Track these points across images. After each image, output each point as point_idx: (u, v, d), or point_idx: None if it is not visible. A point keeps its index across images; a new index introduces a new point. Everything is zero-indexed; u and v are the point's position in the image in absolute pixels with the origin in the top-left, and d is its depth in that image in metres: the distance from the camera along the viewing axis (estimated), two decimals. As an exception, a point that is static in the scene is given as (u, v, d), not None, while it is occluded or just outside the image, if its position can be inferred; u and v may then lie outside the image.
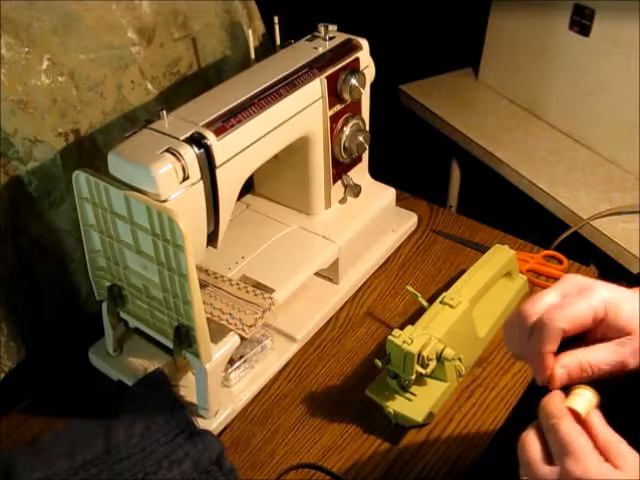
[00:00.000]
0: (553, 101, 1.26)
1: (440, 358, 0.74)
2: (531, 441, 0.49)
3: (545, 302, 0.52)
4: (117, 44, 0.85)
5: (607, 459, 0.46)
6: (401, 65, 1.40)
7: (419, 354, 0.71)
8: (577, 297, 0.52)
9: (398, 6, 1.50)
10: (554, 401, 0.50)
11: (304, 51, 0.83)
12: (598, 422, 0.48)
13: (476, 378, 0.81)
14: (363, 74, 0.85)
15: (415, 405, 0.74)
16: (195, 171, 0.67)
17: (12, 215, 0.78)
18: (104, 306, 0.78)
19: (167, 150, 0.65)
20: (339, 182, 0.91)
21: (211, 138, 0.68)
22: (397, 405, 0.74)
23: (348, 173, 0.92)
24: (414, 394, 0.75)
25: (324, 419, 0.77)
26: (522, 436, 0.49)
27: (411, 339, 0.72)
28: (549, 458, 0.47)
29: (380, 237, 0.98)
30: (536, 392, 0.54)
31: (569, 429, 0.47)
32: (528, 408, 0.56)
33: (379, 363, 0.74)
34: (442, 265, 0.97)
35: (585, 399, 0.50)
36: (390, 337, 0.72)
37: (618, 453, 0.46)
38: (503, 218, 1.07)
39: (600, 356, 0.51)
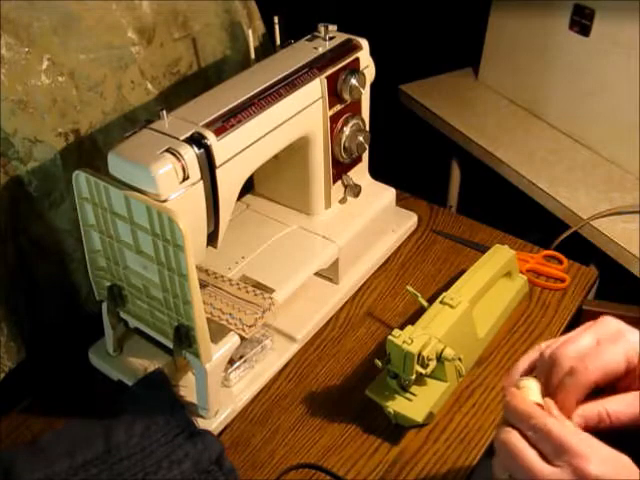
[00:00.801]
0: (553, 101, 1.26)
1: (440, 358, 0.74)
2: (521, 444, 0.48)
3: (580, 345, 0.51)
4: (117, 44, 0.85)
5: None
6: (401, 65, 1.40)
7: (419, 354, 0.71)
8: (611, 344, 0.51)
9: (398, 6, 1.50)
10: (521, 399, 0.50)
11: (304, 51, 0.83)
12: (558, 412, 0.49)
13: (476, 378, 0.81)
14: (363, 74, 0.85)
15: (415, 405, 0.74)
16: (195, 171, 0.67)
17: (12, 215, 0.78)
18: (104, 306, 0.78)
19: (167, 150, 0.65)
20: (339, 182, 0.91)
21: (211, 138, 0.68)
22: (397, 405, 0.74)
23: (348, 173, 0.92)
24: (414, 394, 0.75)
25: (324, 419, 0.77)
26: (503, 439, 0.49)
27: (411, 339, 0.72)
28: (542, 456, 0.47)
29: (380, 237, 0.98)
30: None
31: (560, 428, 0.47)
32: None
33: (379, 363, 0.74)
34: (442, 265, 0.97)
35: (536, 389, 0.51)
36: (390, 337, 0.72)
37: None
38: (503, 218, 1.07)
39: (620, 407, 0.50)
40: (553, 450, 0.46)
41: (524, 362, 0.56)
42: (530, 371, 0.56)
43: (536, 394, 0.51)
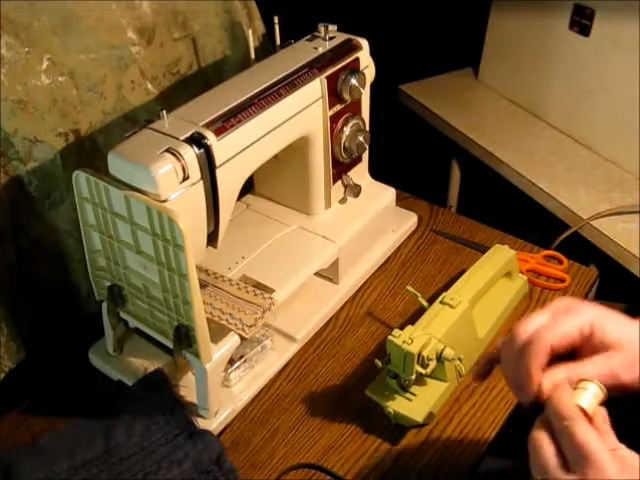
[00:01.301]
0: (553, 101, 1.26)
1: (440, 358, 0.74)
2: (544, 443, 0.49)
3: (536, 322, 0.55)
4: (117, 44, 0.85)
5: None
6: (401, 65, 1.40)
7: (419, 354, 0.71)
8: (565, 316, 0.54)
9: (398, 6, 1.50)
10: (564, 398, 0.50)
11: (304, 51, 0.83)
12: (604, 425, 0.49)
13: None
14: (363, 74, 0.85)
15: (415, 405, 0.74)
16: (195, 171, 0.67)
17: (12, 215, 0.78)
18: (104, 306, 0.78)
19: (167, 150, 0.65)
20: (339, 182, 0.91)
21: (211, 138, 0.68)
22: (397, 405, 0.74)
23: (348, 173, 0.92)
24: (414, 394, 0.75)
25: (324, 419, 0.77)
26: (533, 436, 0.49)
27: (411, 339, 0.72)
28: (564, 462, 0.47)
29: (380, 237, 0.98)
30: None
31: (586, 435, 0.47)
32: (528, 409, 0.56)
33: (379, 363, 0.74)
34: (442, 265, 0.97)
35: (591, 394, 0.51)
36: (390, 337, 0.72)
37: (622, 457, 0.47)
38: (503, 218, 1.07)
39: (589, 368, 0.52)
40: (574, 457, 0.47)
41: (486, 356, 0.60)
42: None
43: (588, 399, 0.50)
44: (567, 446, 0.47)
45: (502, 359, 0.57)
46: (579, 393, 0.51)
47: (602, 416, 0.50)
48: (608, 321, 0.54)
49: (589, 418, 0.49)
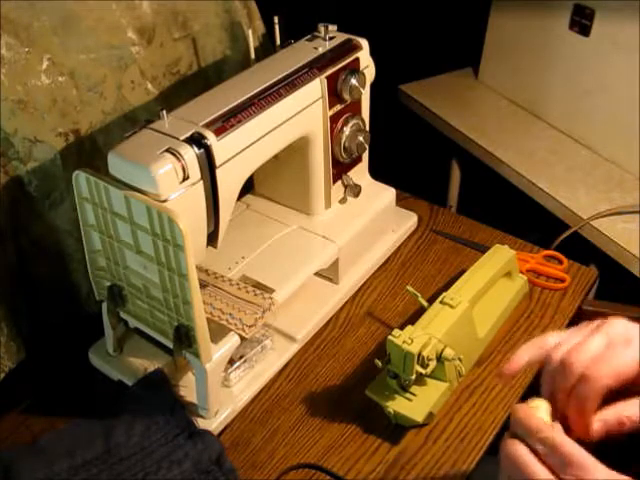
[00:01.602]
0: (553, 101, 1.26)
1: (440, 358, 0.74)
2: (528, 457, 0.47)
3: (591, 351, 0.51)
4: (117, 44, 0.85)
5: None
6: (401, 65, 1.40)
7: (419, 354, 0.71)
8: (623, 347, 0.50)
9: (398, 6, 1.50)
10: (529, 414, 0.49)
11: (304, 51, 0.83)
12: (562, 435, 0.48)
13: (476, 378, 0.81)
14: (363, 74, 0.85)
15: (415, 405, 0.74)
16: (195, 171, 0.67)
17: (12, 215, 0.78)
18: (104, 306, 0.78)
19: (167, 150, 0.65)
20: (339, 182, 0.91)
21: (211, 138, 0.68)
22: (397, 405, 0.74)
23: (348, 173, 0.92)
24: (414, 394, 0.75)
25: (324, 419, 0.77)
26: (512, 450, 0.48)
27: (411, 339, 0.72)
28: (551, 470, 0.47)
29: (380, 237, 0.98)
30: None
31: (568, 443, 0.46)
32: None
33: (379, 363, 0.74)
34: (442, 265, 0.97)
35: (545, 410, 0.51)
36: (390, 337, 0.72)
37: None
38: (503, 218, 1.07)
39: (638, 409, 0.50)
40: (560, 463, 0.46)
41: (524, 355, 0.56)
42: (529, 366, 0.56)
43: (545, 414, 0.51)
44: (551, 455, 0.46)
45: (546, 382, 0.53)
46: (536, 411, 0.51)
47: (560, 428, 0.49)
48: None
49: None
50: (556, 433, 0.47)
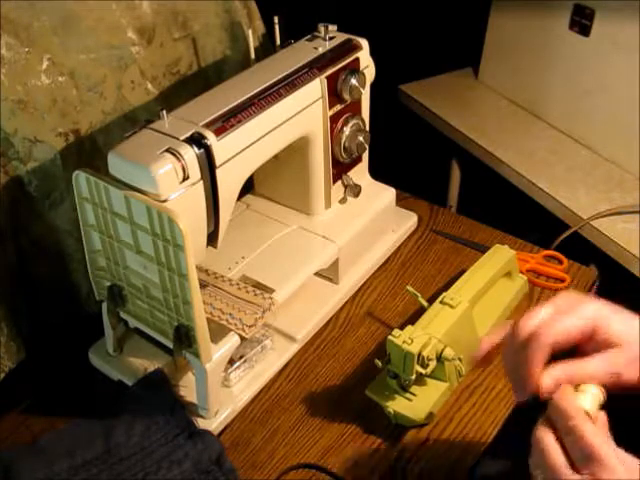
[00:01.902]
0: (553, 101, 1.26)
1: (440, 358, 0.74)
2: (551, 443, 0.49)
3: (538, 317, 0.54)
4: (117, 44, 0.85)
5: None
6: (401, 65, 1.40)
7: (419, 354, 0.71)
8: (567, 312, 0.54)
9: (398, 6, 1.50)
10: (568, 398, 0.50)
11: (304, 51, 0.83)
12: (593, 427, 0.49)
13: (476, 378, 0.81)
14: (363, 74, 0.85)
15: (415, 405, 0.75)
16: (195, 171, 0.67)
17: (12, 215, 0.78)
18: (104, 306, 0.78)
19: (167, 150, 0.65)
20: (339, 182, 0.91)
21: (211, 138, 0.68)
22: (397, 405, 0.74)
23: (348, 173, 0.92)
24: (414, 394, 0.75)
25: (324, 419, 0.77)
26: (538, 435, 0.50)
27: (411, 339, 0.72)
28: (571, 461, 0.47)
29: (380, 237, 0.98)
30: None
31: (594, 436, 0.47)
32: (528, 408, 0.56)
33: (379, 363, 0.74)
34: (442, 265, 0.97)
35: (592, 397, 0.51)
36: (390, 337, 0.72)
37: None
38: (503, 218, 1.07)
39: (590, 366, 0.52)
40: (582, 457, 0.47)
41: (491, 337, 0.59)
42: (497, 347, 0.59)
43: (590, 402, 0.51)
44: (575, 447, 0.47)
45: (503, 352, 0.57)
46: (581, 396, 0.51)
47: (602, 421, 0.50)
48: (611, 318, 0.53)
49: (592, 421, 0.49)
50: (587, 424, 0.48)
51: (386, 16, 1.51)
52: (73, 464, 0.69)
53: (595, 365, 0.52)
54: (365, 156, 0.95)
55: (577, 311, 0.54)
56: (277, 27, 0.85)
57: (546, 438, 0.49)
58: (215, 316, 0.75)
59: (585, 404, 0.50)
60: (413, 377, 0.72)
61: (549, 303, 0.56)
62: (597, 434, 0.47)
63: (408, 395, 0.75)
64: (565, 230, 1.06)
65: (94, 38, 0.82)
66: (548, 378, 0.52)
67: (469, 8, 1.41)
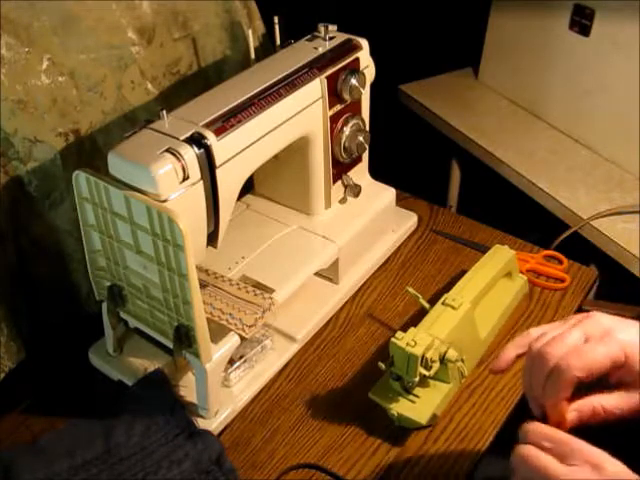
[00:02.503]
0: (553, 101, 1.26)
1: (443, 360, 0.74)
2: (536, 451, 0.49)
3: (566, 344, 0.52)
4: (117, 44, 0.85)
5: None
6: (401, 65, 1.40)
7: (422, 356, 0.71)
8: (597, 343, 0.52)
9: (398, 6, 1.50)
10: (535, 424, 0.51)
11: (304, 51, 0.83)
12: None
13: (476, 378, 0.81)
14: (363, 74, 0.85)
15: (418, 407, 0.74)
16: (195, 171, 0.67)
17: (12, 215, 0.78)
18: (104, 306, 0.78)
19: (167, 150, 0.65)
20: (339, 182, 0.91)
21: (211, 138, 0.68)
22: (400, 407, 0.74)
23: (348, 173, 0.92)
24: (417, 396, 0.75)
25: (324, 419, 0.77)
26: (521, 452, 0.50)
27: (414, 341, 0.71)
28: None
29: (380, 237, 0.98)
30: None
31: (574, 439, 0.48)
32: (528, 408, 0.56)
33: (382, 365, 0.74)
34: (442, 265, 0.97)
35: None
36: (393, 339, 0.72)
37: None
38: (503, 218, 1.07)
39: (614, 402, 0.52)
40: (570, 452, 0.47)
41: (511, 350, 0.58)
42: (516, 359, 0.58)
43: None
44: (559, 446, 0.48)
45: (524, 371, 0.56)
46: None
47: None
48: None
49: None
50: (560, 432, 0.49)
51: (386, 16, 1.51)
52: (73, 464, 0.69)
53: (618, 401, 0.52)
54: (365, 156, 0.95)
55: (607, 343, 0.52)
56: (277, 27, 0.85)
57: (528, 448, 0.49)
58: (215, 316, 0.75)
59: None
60: (416, 379, 0.72)
61: (580, 326, 0.53)
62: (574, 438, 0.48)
63: (411, 397, 0.75)
64: (565, 230, 1.06)
65: (94, 38, 0.82)
66: (574, 414, 0.52)
67: (469, 8, 1.41)
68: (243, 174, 0.76)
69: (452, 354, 0.73)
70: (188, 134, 0.67)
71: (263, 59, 0.83)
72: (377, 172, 0.98)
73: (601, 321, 0.54)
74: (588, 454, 0.47)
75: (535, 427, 0.50)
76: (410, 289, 0.85)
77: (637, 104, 1.08)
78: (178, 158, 0.65)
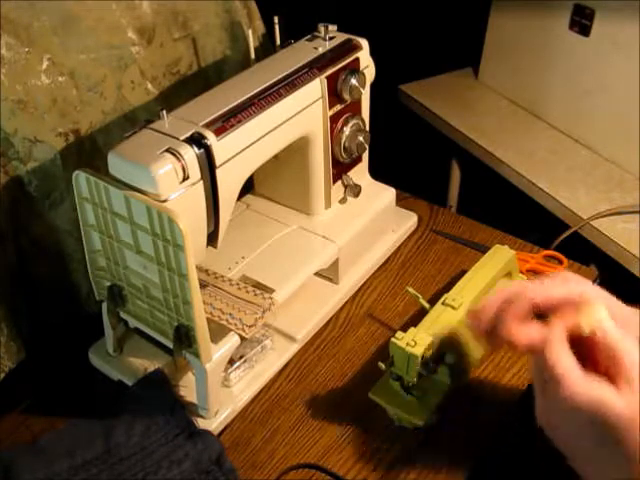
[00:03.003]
0: (553, 101, 1.26)
1: (443, 360, 0.74)
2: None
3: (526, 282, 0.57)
4: (117, 44, 0.85)
5: None
6: (401, 65, 1.40)
7: (422, 356, 0.71)
8: (558, 283, 0.56)
9: (398, 6, 1.50)
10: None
11: (304, 51, 0.83)
12: None
13: (477, 376, 0.81)
14: (363, 74, 0.85)
15: (418, 407, 0.74)
16: (195, 171, 0.67)
17: (12, 215, 0.78)
18: (104, 306, 0.78)
19: (167, 150, 0.65)
20: (339, 182, 0.91)
21: (211, 138, 0.68)
22: (400, 407, 0.74)
23: (348, 173, 0.92)
24: (417, 396, 0.75)
25: (324, 419, 0.77)
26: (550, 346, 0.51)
27: (414, 341, 0.71)
28: None
29: (380, 237, 0.98)
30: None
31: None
32: (528, 408, 0.56)
33: (382, 365, 0.74)
34: (442, 265, 0.97)
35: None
36: (393, 339, 0.72)
37: None
38: (503, 218, 1.07)
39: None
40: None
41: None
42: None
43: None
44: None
45: (484, 303, 0.58)
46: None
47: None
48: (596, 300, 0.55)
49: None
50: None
51: (386, 16, 1.51)
52: (73, 464, 0.69)
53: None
54: (365, 156, 0.95)
55: (567, 284, 0.56)
56: (277, 27, 0.85)
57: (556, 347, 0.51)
58: (215, 316, 0.75)
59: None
60: (416, 379, 0.72)
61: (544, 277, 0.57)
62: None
63: (411, 397, 0.75)
64: (565, 230, 1.06)
65: (94, 38, 0.82)
66: (525, 335, 0.53)
67: (469, 8, 1.41)
68: (243, 174, 0.76)
69: (452, 354, 0.73)
70: (188, 134, 0.67)
71: (263, 59, 0.83)
72: (377, 172, 0.98)
73: (567, 273, 0.58)
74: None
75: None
76: (410, 289, 0.85)
77: (637, 104, 1.08)
78: (178, 158, 0.65)
